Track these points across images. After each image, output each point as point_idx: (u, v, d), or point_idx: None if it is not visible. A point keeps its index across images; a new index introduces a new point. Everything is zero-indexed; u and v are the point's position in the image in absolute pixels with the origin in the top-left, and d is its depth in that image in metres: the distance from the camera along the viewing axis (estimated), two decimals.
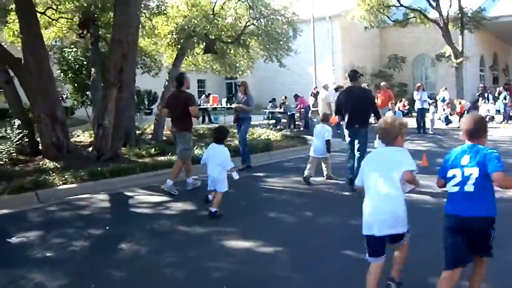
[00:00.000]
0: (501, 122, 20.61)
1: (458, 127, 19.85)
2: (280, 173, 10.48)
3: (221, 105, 23.69)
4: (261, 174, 10.55)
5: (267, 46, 21.42)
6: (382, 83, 16.19)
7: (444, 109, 20.88)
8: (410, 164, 3.91)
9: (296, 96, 21.69)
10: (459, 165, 3.59)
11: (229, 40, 21.48)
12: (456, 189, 3.56)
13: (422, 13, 28.73)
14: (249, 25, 21.12)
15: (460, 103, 20.58)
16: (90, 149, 11.67)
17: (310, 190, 8.69)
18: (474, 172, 3.46)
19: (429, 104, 17.93)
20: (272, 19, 21.36)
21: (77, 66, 14.60)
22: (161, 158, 11.21)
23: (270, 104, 22.63)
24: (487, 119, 22.29)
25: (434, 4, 28.32)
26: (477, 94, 25.45)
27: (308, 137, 15.64)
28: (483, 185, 3.45)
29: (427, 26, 29.19)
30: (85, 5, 15.11)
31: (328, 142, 9.21)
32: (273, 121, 20.42)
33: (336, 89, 18.12)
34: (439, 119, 20.84)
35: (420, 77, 34.30)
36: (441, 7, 28.24)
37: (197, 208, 7.47)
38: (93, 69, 14.27)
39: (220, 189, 6.63)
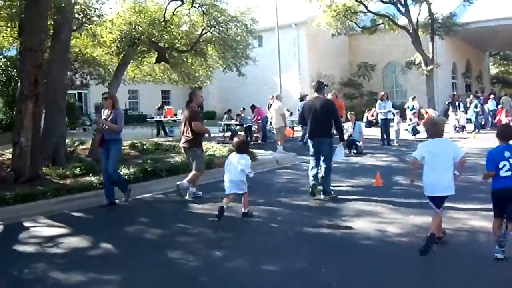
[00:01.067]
0: (471, 132, 19.78)
1: (426, 138, 19.08)
2: (212, 197, 9.11)
3: (177, 116, 22.51)
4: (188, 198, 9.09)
5: (222, 54, 20.43)
6: (330, 94, 15.10)
7: (411, 119, 19.97)
8: (462, 152, 5.68)
9: (253, 107, 20.66)
10: (504, 159, 5.18)
11: (184, 49, 20.46)
12: (509, 173, 5.13)
13: (390, 19, 28.08)
14: (205, 33, 20.13)
15: (426, 113, 19.69)
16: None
17: (232, 221, 7.46)
18: None
19: (394, 114, 16.99)
20: (228, 26, 20.40)
21: (4, 78, 13.30)
22: (86, 178, 9.98)
23: (226, 115, 21.49)
24: (455, 129, 21.78)
25: (403, 10, 27.66)
26: (446, 103, 24.65)
27: (260, 151, 14.64)
28: None
29: (396, 32, 28.51)
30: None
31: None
32: (229, 133, 19.31)
33: (301, 99, 17.12)
34: (406, 129, 19.94)
35: (390, 86, 33.70)
36: (411, 13, 27.60)
37: (91, 244, 6.32)
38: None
39: (243, 190, 7.33)
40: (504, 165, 5.15)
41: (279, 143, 15.17)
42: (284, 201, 8.61)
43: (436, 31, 28.59)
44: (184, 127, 8.93)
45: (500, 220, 5.25)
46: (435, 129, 5.75)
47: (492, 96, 27.17)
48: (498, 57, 50.47)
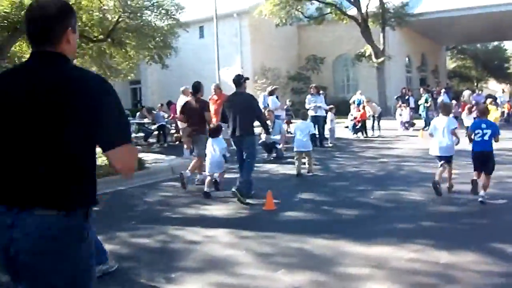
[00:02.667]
0: (422, 129, 17.69)
1: (367, 137, 17.14)
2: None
3: None
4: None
5: (141, 44, 17.96)
6: (213, 85, 12.57)
7: (352, 115, 17.72)
8: (454, 124, 7.76)
9: (169, 103, 18.15)
10: (480, 128, 7.23)
11: (98, 37, 18.02)
12: (479, 139, 7.20)
13: (337, 8, 26.03)
14: (121, 20, 17.69)
15: (364, 108, 17.48)
16: None
17: None
18: (489, 132, 7.14)
19: (326, 111, 14.71)
20: (143, 13, 18.01)
21: None
22: None
23: (138, 113, 18.79)
24: (403, 126, 19.72)
25: None
26: (395, 97, 22.58)
27: (160, 156, 12.18)
28: (491, 137, 7.17)
29: (345, 22, 26.46)
30: None
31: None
32: (142, 134, 16.77)
33: (270, 93, 15.16)
34: (347, 127, 17.70)
35: (341, 79, 31.69)
36: (360, 2, 25.52)
37: None
38: None
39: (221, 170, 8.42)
40: (478, 133, 7.23)
41: (185, 146, 12.70)
42: (122, 237, 6.10)
43: (387, 21, 26.57)
44: (191, 116, 9.16)
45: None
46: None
47: (443, 90, 25.18)
48: (455, 51, 48.96)
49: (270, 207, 7.09)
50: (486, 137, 7.14)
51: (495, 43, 50.15)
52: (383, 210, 6.91)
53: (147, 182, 9.89)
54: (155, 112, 17.24)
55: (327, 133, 15.36)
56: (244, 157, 7.97)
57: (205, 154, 8.70)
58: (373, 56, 26.41)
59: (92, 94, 2.05)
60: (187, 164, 11.47)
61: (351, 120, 17.89)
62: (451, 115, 8.26)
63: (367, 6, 25.80)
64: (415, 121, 20.82)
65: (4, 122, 2.06)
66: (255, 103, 8.25)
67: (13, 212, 2.00)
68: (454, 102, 21.78)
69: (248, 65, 28.75)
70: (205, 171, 8.77)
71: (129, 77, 21.51)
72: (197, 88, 9.30)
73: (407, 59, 34.09)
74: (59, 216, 2.01)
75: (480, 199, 6.95)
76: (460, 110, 19.36)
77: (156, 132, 16.63)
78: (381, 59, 26.11)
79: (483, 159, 7.22)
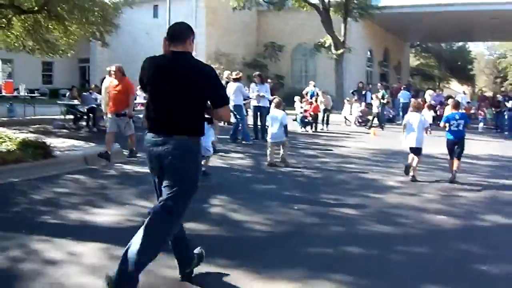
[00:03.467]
0: (372, 127, 16.67)
1: (315, 132, 16.07)
2: None
3: (22, 92, 17.96)
4: None
5: (75, 16, 16.41)
6: (112, 66, 10.47)
7: (302, 107, 16.57)
8: (427, 123, 9.28)
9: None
10: (454, 119, 8.57)
11: (31, 8, 16.46)
12: (455, 128, 8.52)
13: None
14: None
15: (316, 101, 16.38)
16: None
17: None
18: (462, 122, 8.53)
19: (270, 102, 13.45)
20: None
21: None
22: None
23: (68, 93, 17.21)
24: (357, 122, 18.72)
25: None
26: (351, 91, 21.53)
27: (80, 143, 10.77)
28: (464, 126, 8.59)
29: (305, 9, 25.15)
30: None
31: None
32: (72, 117, 15.23)
33: (236, 79, 13.29)
34: (295, 120, 16.53)
35: (299, 69, 30.40)
36: None
37: None
38: None
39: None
40: (453, 123, 8.63)
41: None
42: None
43: (350, 12, 25.43)
44: None
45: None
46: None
47: (403, 87, 24.35)
48: (419, 49, 48.48)
49: None
50: (460, 127, 8.59)
51: (460, 43, 49.95)
52: (302, 227, 5.66)
53: (51, 173, 8.41)
54: (86, 94, 15.63)
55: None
56: None
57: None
58: (332, 47, 25.33)
59: (206, 74, 3.67)
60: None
61: (301, 112, 16.72)
62: (416, 111, 8.93)
63: None
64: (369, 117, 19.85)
65: (156, 83, 3.70)
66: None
67: (161, 136, 3.60)
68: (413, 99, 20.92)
69: (201, 48, 27.27)
70: None
71: (69, 54, 19.71)
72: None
73: (369, 53, 33.20)
74: (187, 139, 3.61)
75: (453, 178, 8.33)
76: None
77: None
78: (341, 50, 25.05)
79: (457, 144, 8.55)
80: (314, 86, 20.01)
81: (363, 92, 21.99)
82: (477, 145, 13.66)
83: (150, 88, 3.75)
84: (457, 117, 8.63)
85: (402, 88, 24.07)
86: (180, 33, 3.74)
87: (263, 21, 31.42)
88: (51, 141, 10.33)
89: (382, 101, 19.48)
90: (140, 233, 3.50)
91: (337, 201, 6.83)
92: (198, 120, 3.66)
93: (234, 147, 11.99)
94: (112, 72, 10.04)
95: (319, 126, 16.78)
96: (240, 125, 13.02)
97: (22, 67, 29.51)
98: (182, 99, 3.55)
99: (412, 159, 8.58)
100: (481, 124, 20.85)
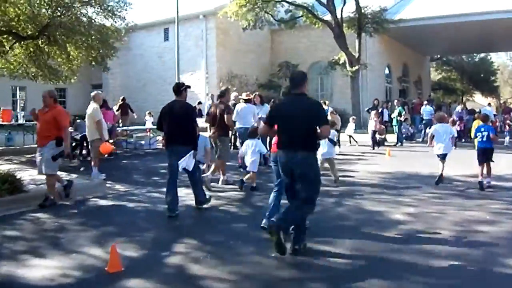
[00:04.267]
0: (392, 145, 15.41)
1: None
2: None
3: (21, 121, 17.31)
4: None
5: (72, 40, 15.78)
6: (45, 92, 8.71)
7: None
8: (452, 132, 10.53)
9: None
10: (480, 131, 9.52)
11: (31, 34, 16.03)
12: (480, 139, 9.46)
13: (309, 11, 23.66)
14: (55, 16, 15.68)
15: None
16: None
17: None
18: (486, 133, 9.39)
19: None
20: (79, 8, 15.92)
21: None
22: None
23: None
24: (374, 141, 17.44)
25: (324, 1, 23.17)
26: (366, 109, 20.17)
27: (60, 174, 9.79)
28: (489, 138, 9.38)
29: (317, 26, 24.16)
30: None
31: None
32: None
33: (247, 100, 12.07)
34: None
35: (315, 88, 29.20)
36: (336, 5, 23.25)
37: None
38: None
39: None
40: (479, 135, 9.58)
41: (93, 163, 10.37)
42: None
43: (364, 27, 24.24)
44: (215, 119, 9.66)
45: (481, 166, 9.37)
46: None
47: (425, 102, 23.02)
48: (440, 62, 46.82)
49: (115, 268, 4.72)
50: (485, 138, 9.47)
51: (482, 55, 48.18)
52: (273, 285, 4.51)
53: (14, 211, 7.46)
54: (79, 121, 14.68)
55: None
56: (180, 169, 7.39)
57: (229, 156, 10.23)
58: (347, 64, 24.13)
59: (316, 108, 5.37)
60: (88, 185, 9.36)
61: None
62: (440, 122, 10.15)
63: (341, 10, 23.56)
64: (387, 135, 18.54)
65: (287, 122, 5.31)
66: (193, 114, 7.86)
67: (291, 152, 5.19)
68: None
69: (213, 70, 26.39)
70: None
71: (72, 80, 19.07)
72: (223, 93, 10.04)
73: (387, 69, 31.85)
74: (309, 154, 5.26)
75: (486, 184, 9.18)
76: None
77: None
78: (356, 67, 23.82)
79: (485, 153, 9.45)
80: (327, 105, 18.80)
81: (380, 110, 20.75)
82: (503, 162, 12.26)
83: (280, 122, 5.46)
84: (482, 129, 9.59)
85: (424, 103, 22.77)
86: (298, 80, 5.54)
87: (276, 40, 30.43)
88: (33, 173, 9.49)
89: (398, 118, 18.19)
90: (292, 211, 5.34)
91: (326, 245, 5.64)
92: (315, 140, 5.38)
93: (231, 175, 10.84)
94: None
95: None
96: None
97: (35, 93, 29.00)
98: (304, 127, 5.23)
99: (442, 166, 9.63)
100: (507, 138, 19.31)
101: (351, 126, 18.22)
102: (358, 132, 19.20)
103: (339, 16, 23.54)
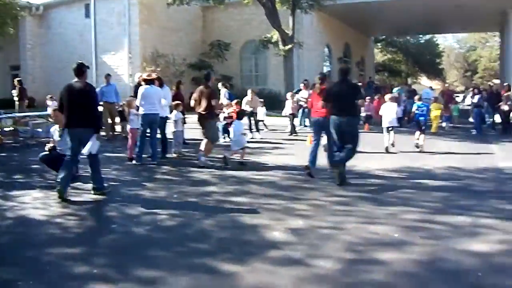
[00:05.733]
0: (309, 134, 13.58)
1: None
2: None
3: None
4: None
5: None
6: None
7: (224, 112, 13.46)
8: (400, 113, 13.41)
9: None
10: (420, 106, 12.50)
11: None
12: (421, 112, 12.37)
13: None
14: None
15: (236, 104, 13.31)
16: None
17: None
18: (425, 108, 12.63)
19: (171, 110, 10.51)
20: None
21: None
22: None
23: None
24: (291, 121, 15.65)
25: None
26: (294, 91, 18.30)
27: None
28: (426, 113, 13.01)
29: (246, 2, 21.97)
30: None
31: None
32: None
33: (148, 81, 10.10)
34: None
35: (249, 69, 27.29)
36: None
37: None
38: None
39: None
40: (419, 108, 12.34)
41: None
42: None
43: (299, 3, 22.29)
44: (200, 102, 9.55)
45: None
46: None
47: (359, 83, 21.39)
48: (384, 43, 45.63)
49: None
50: (424, 112, 12.40)
51: (428, 37, 47.30)
52: None
53: None
54: None
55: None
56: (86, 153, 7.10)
57: (217, 138, 10.70)
58: (280, 43, 22.23)
59: (355, 87, 8.47)
60: None
61: (223, 119, 13.57)
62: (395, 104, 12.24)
63: None
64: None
65: (339, 94, 7.94)
66: (92, 94, 7.25)
67: (342, 116, 7.76)
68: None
69: (136, 49, 23.99)
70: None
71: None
72: (206, 77, 10.04)
73: (326, 49, 30.17)
74: (354, 117, 8.01)
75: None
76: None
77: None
78: (289, 46, 21.94)
79: (418, 123, 12.16)
80: (227, 88, 16.97)
81: (310, 92, 19.03)
82: (437, 156, 10.73)
83: (334, 98, 7.92)
84: (422, 105, 12.55)
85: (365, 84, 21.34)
86: (346, 70, 8.87)
87: (208, 18, 28.18)
88: None
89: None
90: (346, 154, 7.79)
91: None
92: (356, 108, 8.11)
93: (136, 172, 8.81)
94: None
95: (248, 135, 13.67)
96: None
97: None
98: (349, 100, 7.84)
99: (387, 137, 11.34)
100: (444, 124, 17.88)
101: (261, 110, 16.26)
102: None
103: None
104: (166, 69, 23.41)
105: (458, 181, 8.08)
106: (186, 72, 25.33)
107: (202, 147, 9.55)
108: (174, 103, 11.15)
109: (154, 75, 10.74)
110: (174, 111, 10.91)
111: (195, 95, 9.76)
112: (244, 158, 9.85)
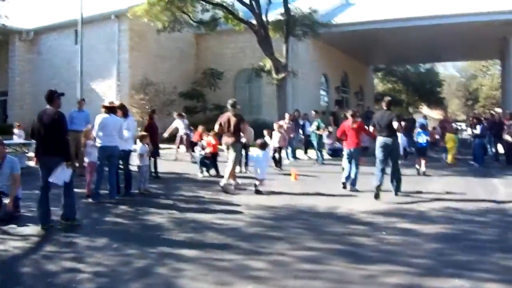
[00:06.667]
0: (293, 169, 12.35)
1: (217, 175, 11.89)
2: None
3: None
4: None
5: None
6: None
7: (201, 145, 12.27)
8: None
9: None
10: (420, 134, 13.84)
11: None
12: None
13: (229, 10, 20.50)
14: None
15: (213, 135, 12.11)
16: None
17: None
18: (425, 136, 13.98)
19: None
20: None
21: None
22: None
23: None
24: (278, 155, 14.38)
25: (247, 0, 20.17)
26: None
27: None
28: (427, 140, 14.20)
29: (238, 29, 21.09)
30: None
31: None
32: None
33: (110, 109, 9.08)
34: (194, 162, 12.27)
35: (243, 98, 26.18)
36: (261, 6, 20.21)
37: None
38: None
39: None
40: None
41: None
42: None
43: (293, 30, 21.29)
44: (228, 127, 10.11)
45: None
46: None
47: (350, 113, 20.27)
48: (383, 72, 44.60)
49: None
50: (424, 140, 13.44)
51: (428, 65, 46.31)
52: None
53: None
54: None
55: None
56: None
57: (238, 162, 11.02)
58: (273, 71, 21.15)
59: (391, 116, 9.65)
60: None
61: (200, 152, 12.34)
62: None
63: (266, 10, 20.59)
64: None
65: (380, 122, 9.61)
66: (59, 121, 6.80)
67: (387, 137, 9.38)
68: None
69: (125, 76, 22.92)
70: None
71: None
72: (235, 104, 10.52)
73: (323, 77, 29.09)
74: (393, 138, 9.38)
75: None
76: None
77: None
78: (282, 74, 20.82)
79: (420, 151, 13.40)
80: (183, 117, 16.00)
81: (301, 122, 17.86)
82: (432, 192, 9.47)
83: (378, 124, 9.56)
84: (422, 133, 13.85)
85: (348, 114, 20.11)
86: (388, 103, 9.92)
87: (202, 46, 27.17)
88: None
89: (316, 132, 15.39)
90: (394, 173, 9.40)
91: None
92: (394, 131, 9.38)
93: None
94: None
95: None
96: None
97: None
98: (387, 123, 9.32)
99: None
100: (444, 155, 16.61)
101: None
102: None
103: (265, 19, 20.60)
104: (156, 97, 22.29)
105: (456, 227, 6.77)
106: (178, 101, 24.24)
107: (227, 174, 10.04)
108: (139, 134, 9.95)
109: (117, 103, 9.59)
110: (140, 143, 9.68)
111: (223, 118, 10.45)
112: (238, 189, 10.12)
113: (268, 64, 21.52)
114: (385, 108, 9.79)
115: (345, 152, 10.61)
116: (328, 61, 28.80)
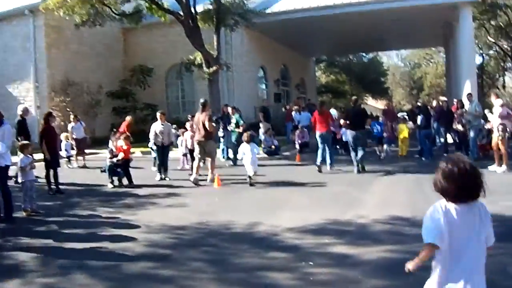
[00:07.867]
0: (213, 173, 11.09)
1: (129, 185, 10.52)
2: None
3: None
4: None
5: None
6: None
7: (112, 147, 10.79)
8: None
9: None
10: (375, 125, 15.94)
11: None
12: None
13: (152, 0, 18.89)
14: None
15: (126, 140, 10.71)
16: None
17: None
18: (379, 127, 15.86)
19: None
20: None
21: None
22: None
23: None
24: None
25: None
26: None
27: None
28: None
29: (163, 20, 19.55)
30: None
31: None
32: None
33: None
34: (103, 171, 10.76)
35: (175, 95, 24.66)
36: None
37: None
38: None
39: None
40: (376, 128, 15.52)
41: None
42: None
43: (223, 20, 19.90)
44: (199, 126, 10.83)
45: None
46: None
47: (295, 107, 19.41)
48: (326, 64, 43.91)
49: None
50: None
51: (371, 55, 45.96)
52: None
53: None
54: None
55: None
56: None
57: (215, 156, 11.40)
58: (204, 65, 19.74)
59: (363, 110, 13.43)
60: None
61: (109, 160, 10.81)
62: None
63: (194, 1, 19.16)
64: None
65: (354, 116, 12.37)
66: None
67: (357, 130, 12.01)
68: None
69: (43, 77, 20.93)
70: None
71: None
72: (205, 105, 11.26)
73: (261, 70, 27.88)
74: (363, 130, 12.35)
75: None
76: None
77: None
78: (213, 68, 19.44)
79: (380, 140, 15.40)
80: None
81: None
82: (376, 193, 8.34)
83: (351, 117, 12.07)
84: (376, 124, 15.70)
85: (293, 109, 19.26)
86: (357, 101, 13.72)
87: (130, 41, 25.45)
88: None
89: (236, 129, 14.25)
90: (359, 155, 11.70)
91: None
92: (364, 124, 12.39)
93: None
94: None
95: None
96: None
97: None
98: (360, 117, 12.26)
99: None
100: (385, 146, 15.64)
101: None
102: None
103: (193, 10, 19.16)
104: (79, 98, 20.50)
105: (405, 249, 5.16)
106: (105, 101, 22.48)
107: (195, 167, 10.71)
108: (20, 143, 8.27)
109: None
110: (21, 155, 8.00)
111: (195, 119, 11.46)
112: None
113: (199, 57, 20.13)
114: (352, 105, 12.85)
115: (317, 136, 12.15)
116: (266, 53, 27.63)
